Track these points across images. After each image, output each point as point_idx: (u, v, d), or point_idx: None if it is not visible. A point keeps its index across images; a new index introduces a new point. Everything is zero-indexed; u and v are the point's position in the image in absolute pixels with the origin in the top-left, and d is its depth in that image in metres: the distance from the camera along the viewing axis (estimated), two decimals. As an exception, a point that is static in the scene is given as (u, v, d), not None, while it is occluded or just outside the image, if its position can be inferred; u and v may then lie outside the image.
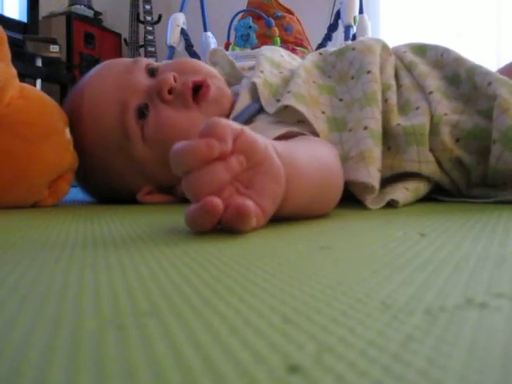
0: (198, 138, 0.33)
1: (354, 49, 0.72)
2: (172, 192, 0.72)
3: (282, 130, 0.56)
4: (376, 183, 0.57)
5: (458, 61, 0.69)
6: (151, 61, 0.72)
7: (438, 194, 0.68)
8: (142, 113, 0.67)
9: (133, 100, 0.67)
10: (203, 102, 0.68)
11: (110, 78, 0.69)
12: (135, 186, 0.72)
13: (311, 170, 0.44)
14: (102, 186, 0.75)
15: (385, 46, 0.73)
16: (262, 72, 0.72)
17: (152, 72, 0.70)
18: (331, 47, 0.81)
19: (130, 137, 0.67)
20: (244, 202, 0.33)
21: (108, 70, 0.72)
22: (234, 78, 0.83)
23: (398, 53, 0.74)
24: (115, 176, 0.71)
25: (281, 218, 0.41)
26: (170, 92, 0.67)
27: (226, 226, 0.35)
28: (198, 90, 0.68)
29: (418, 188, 0.63)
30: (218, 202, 0.32)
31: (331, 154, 0.53)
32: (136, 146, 0.68)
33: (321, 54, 0.76)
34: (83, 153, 0.71)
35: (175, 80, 0.67)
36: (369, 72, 0.67)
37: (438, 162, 0.64)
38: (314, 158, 0.47)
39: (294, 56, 0.85)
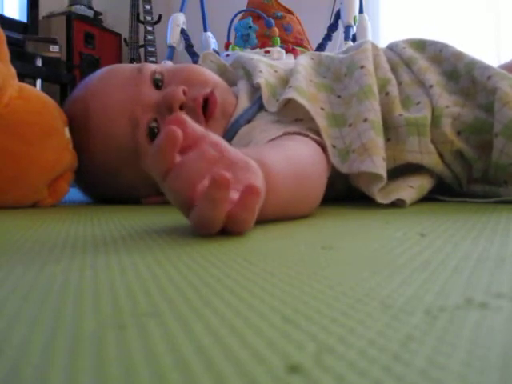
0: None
1: (345, 52, 0.74)
2: None
3: (280, 132, 0.56)
4: (383, 172, 0.57)
5: (457, 56, 0.69)
6: (155, 66, 0.71)
7: (438, 194, 0.68)
8: (153, 132, 0.66)
9: (143, 116, 0.66)
10: (211, 119, 0.68)
11: (117, 93, 0.68)
12: (141, 193, 0.72)
13: (287, 179, 0.43)
14: (106, 192, 0.75)
15: (373, 44, 0.73)
16: (261, 72, 0.72)
17: (157, 83, 0.69)
18: (331, 47, 0.82)
19: (141, 153, 0.67)
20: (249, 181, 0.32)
21: (113, 83, 0.70)
22: (225, 81, 0.82)
23: (396, 48, 0.75)
24: (123, 186, 0.71)
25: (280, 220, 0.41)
26: (181, 108, 0.66)
27: (230, 225, 0.34)
28: (206, 103, 0.68)
29: (422, 185, 0.63)
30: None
31: (314, 157, 0.53)
32: (146, 162, 0.67)
33: (312, 58, 0.76)
34: (90, 164, 0.71)
35: (185, 93, 0.66)
36: (362, 67, 0.67)
37: (440, 155, 0.64)
38: (292, 163, 0.46)
39: (272, 57, 0.86)
